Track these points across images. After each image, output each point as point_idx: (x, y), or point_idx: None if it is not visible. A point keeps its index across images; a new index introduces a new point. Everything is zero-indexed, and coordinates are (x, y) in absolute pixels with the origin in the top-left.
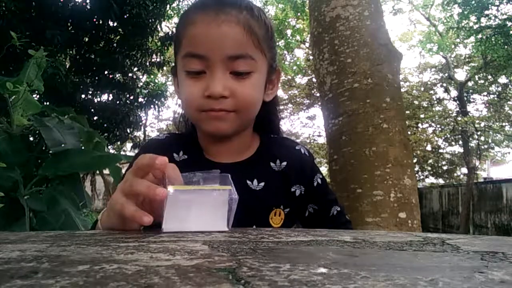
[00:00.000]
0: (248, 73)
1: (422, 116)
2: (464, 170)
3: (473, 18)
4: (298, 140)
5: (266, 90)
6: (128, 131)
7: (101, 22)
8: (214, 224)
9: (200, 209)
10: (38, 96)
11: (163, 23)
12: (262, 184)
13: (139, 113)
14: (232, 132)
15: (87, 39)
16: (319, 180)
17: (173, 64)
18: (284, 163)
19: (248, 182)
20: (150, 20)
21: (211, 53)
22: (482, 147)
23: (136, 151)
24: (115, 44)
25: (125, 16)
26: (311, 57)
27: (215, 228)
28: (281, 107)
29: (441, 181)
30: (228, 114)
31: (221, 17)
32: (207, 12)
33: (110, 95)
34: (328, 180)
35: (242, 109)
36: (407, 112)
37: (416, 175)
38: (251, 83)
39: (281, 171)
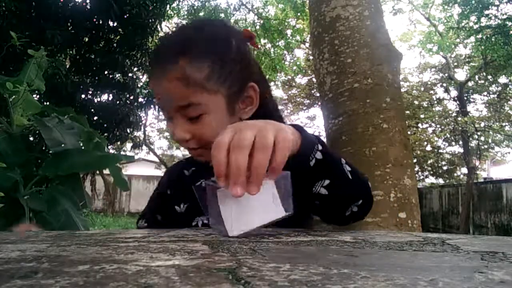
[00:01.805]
0: (202, 114)
1: (422, 116)
2: (464, 170)
3: (473, 18)
4: None
5: (240, 110)
6: (128, 131)
7: (101, 22)
8: (272, 212)
9: (252, 201)
10: (38, 96)
11: (163, 23)
12: None
13: (139, 113)
14: None
15: (87, 39)
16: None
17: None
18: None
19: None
20: (150, 20)
21: (164, 105)
22: (482, 147)
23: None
24: (115, 44)
25: (125, 16)
26: (311, 57)
27: (276, 216)
28: (281, 107)
29: (441, 181)
30: (201, 151)
31: (163, 73)
32: (155, 69)
33: (110, 95)
34: None
35: (207, 145)
36: (407, 112)
37: (416, 175)
38: (207, 123)
39: None
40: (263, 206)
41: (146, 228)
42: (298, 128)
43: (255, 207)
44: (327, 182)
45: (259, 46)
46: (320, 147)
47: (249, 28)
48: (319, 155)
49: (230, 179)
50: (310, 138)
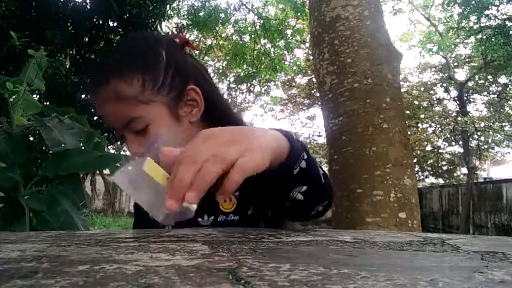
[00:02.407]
0: (146, 126)
1: (422, 116)
2: (464, 170)
3: (473, 18)
4: None
5: (187, 114)
6: None
7: (101, 22)
8: (154, 209)
9: (154, 191)
10: (38, 96)
11: (163, 23)
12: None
13: None
14: None
15: (87, 39)
16: None
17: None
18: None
19: None
20: (150, 20)
21: (113, 126)
22: (482, 147)
23: None
24: (115, 44)
25: (125, 16)
26: (311, 57)
27: (153, 214)
28: (281, 107)
29: (441, 181)
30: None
31: (98, 97)
32: (91, 95)
33: None
34: None
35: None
36: (407, 112)
37: (416, 175)
38: (153, 133)
39: None
40: (153, 199)
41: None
42: (287, 135)
43: (148, 195)
44: (304, 188)
45: (260, 44)
46: (305, 156)
47: (249, 28)
48: (303, 164)
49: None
50: (297, 147)
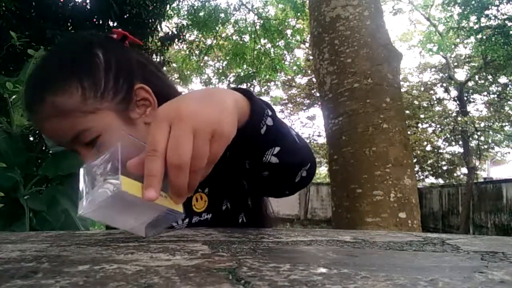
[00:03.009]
0: (97, 137)
1: (422, 116)
2: (464, 170)
3: (473, 18)
4: None
5: (139, 115)
6: None
7: (101, 22)
8: (135, 226)
9: (130, 208)
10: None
11: (163, 23)
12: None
13: None
14: None
15: None
16: None
17: (173, 64)
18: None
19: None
20: (150, 20)
21: (62, 143)
22: (482, 147)
23: None
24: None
25: (125, 16)
26: (311, 57)
27: (136, 232)
28: (281, 107)
29: (441, 181)
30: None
31: (38, 117)
32: (30, 116)
33: None
34: (328, 180)
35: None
36: (407, 112)
37: (416, 175)
38: (106, 144)
39: None
40: (133, 216)
41: None
42: (246, 93)
43: (127, 213)
44: (277, 149)
45: (260, 44)
46: (269, 112)
47: (249, 28)
48: (269, 121)
49: (170, 191)
50: (260, 104)
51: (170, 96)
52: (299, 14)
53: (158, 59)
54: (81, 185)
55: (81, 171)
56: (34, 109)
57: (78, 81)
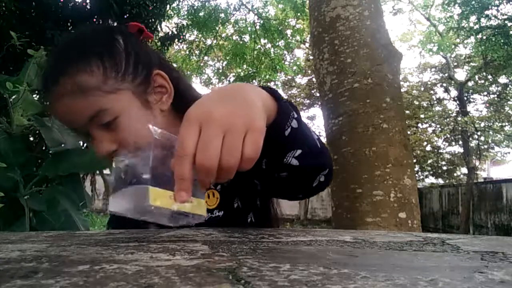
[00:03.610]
0: (115, 119)
1: (422, 116)
2: (464, 170)
3: (473, 18)
4: None
5: (157, 101)
6: None
7: (101, 22)
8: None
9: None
10: (38, 96)
11: (163, 23)
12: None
13: None
14: None
15: None
16: None
17: (173, 64)
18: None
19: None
20: (150, 20)
21: (76, 126)
22: (482, 147)
23: None
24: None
25: (125, 16)
26: (311, 57)
27: (158, 221)
28: None
29: (441, 181)
30: (136, 152)
31: (58, 94)
32: (49, 94)
33: None
34: None
35: (136, 145)
36: (407, 112)
37: (416, 175)
38: (125, 126)
39: None
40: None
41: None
42: (273, 93)
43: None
44: (299, 152)
45: (260, 44)
46: (295, 115)
47: (249, 28)
48: (294, 124)
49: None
50: (286, 105)
51: (185, 91)
52: (299, 14)
53: None
54: (112, 181)
55: (114, 168)
56: (53, 88)
57: (100, 60)
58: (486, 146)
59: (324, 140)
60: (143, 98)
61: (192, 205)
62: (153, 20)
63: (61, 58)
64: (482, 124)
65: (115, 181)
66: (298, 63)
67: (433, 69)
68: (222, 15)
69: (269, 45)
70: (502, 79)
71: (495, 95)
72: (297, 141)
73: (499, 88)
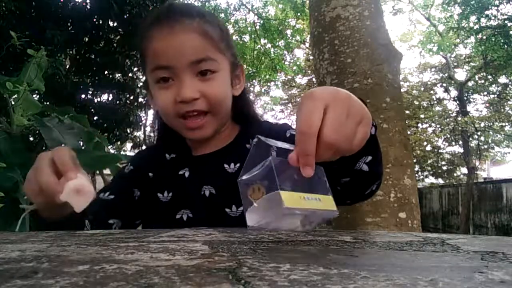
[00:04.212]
0: (213, 72)
1: (422, 116)
2: (464, 170)
3: (473, 18)
4: None
5: (233, 86)
6: (128, 131)
7: (101, 22)
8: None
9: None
10: (38, 96)
11: None
12: (238, 165)
13: (139, 113)
14: (214, 134)
15: (87, 39)
16: (292, 132)
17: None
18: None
19: (226, 166)
20: None
21: (174, 63)
22: (482, 147)
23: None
24: (115, 44)
25: (125, 16)
26: (311, 57)
27: (293, 229)
28: (281, 107)
29: (441, 181)
30: (206, 120)
31: (176, 27)
32: (162, 25)
33: (110, 95)
34: None
35: (215, 107)
36: (407, 112)
37: (416, 175)
38: (217, 82)
39: None
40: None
41: (112, 201)
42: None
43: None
44: (369, 158)
45: (260, 44)
46: (374, 122)
47: (249, 28)
48: (373, 130)
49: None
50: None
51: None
52: (299, 14)
53: None
54: (243, 197)
55: (240, 186)
56: (178, 22)
57: (220, 24)
58: (486, 146)
59: None
60: (232, 73)
61: (322, 203)
62: None
63: (187, 6)
64: (482, 124)
65: (244, 199)
66: (298, 63)
67: (433, 69)
68: (222, 15)
69: (269, 45)
70: (502, 79)
71: (495, 95)
72: (371, 147)
73: (499, 88)
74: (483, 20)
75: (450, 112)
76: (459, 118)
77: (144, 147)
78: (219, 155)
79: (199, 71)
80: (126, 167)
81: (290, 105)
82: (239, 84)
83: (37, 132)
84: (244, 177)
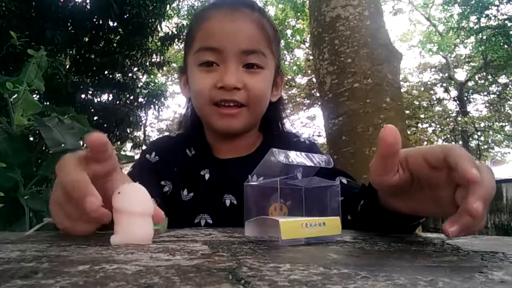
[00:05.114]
0: (260, 67)
1: (422, 116)
2: None
3: (473, 18)
4: None
5: (273, 90)
6: (128, 131)
7: (101, 22)
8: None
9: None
10: (38, 96)
11: (163, 23)
12: (261, 178)
13: (139, 113)
14: (242, 129)
15: (87, 39)
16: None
17: (173, 64)
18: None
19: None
20: (150, 20)
21: (225, 46)
22: (482, 147)
23: (136, 151)
24: (115, 44)
25: (125, 16)
26: (311, 57)
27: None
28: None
29: None
30: (239, 111)
31: (236, 13)
32: (222, 9)
33: (110, 95)
34: None
35: (253, 103)
36: (407, 112)
37: None
38: (262, 77)
39: None
40: None
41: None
42: None
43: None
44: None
45: None
46: None
47: None
48: None
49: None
50: None
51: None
52: (299, 14)
53: (158, 59)
54: (245, 203)
55: (246, 190)
56: (239, 9)
57: (273, 29)
58: (486, 146)
59: (324, 140)
60: (274, 76)
61: (326, 227)
62: (153, 20)
63: (252, 2)
64: (482, 124)
65: (247, 208)
66: (298, 63)
67: (433, 69)
68: None
69: None
70: (502, 79)
71: (495, 95)
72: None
73: (499, 88)
74: (483, 20)
75: (450, 112)
76: (459, 118)
77: (155, 138)
78: (243, 163)
79: (246, 63)
80: (148, 156)
81: (290, 105)
82: (276, 91)
83: (37, 132)
84: (251, 183)
